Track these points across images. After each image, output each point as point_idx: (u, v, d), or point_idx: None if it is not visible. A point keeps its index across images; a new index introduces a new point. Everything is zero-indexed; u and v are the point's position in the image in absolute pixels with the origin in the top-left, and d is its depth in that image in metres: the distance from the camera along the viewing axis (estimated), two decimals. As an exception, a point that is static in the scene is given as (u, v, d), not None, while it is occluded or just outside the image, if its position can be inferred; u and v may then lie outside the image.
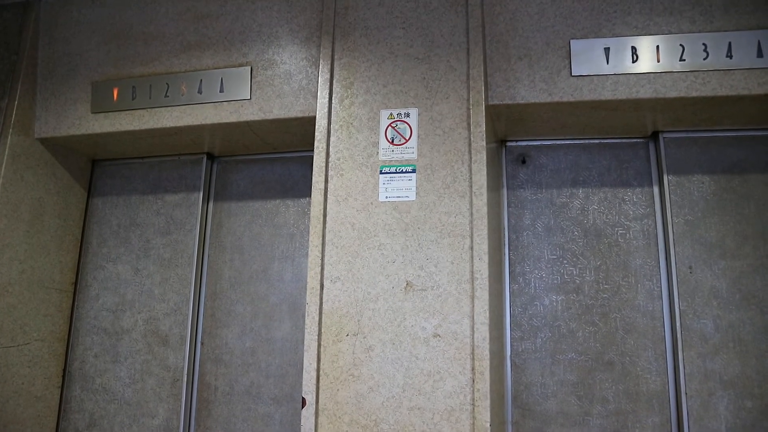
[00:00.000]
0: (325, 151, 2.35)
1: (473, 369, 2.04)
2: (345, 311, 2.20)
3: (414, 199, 2.23)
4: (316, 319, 2.20)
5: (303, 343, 2.77)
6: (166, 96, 2.70)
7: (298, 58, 2.59)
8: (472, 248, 2.14)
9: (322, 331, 2.20)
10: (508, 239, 2.71)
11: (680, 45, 2.26)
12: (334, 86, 2.43)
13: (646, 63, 2.27)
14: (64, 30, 2.94)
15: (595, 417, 2.48)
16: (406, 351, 2.11)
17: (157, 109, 2.72)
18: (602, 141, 2.73)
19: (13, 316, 2.73)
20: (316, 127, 2.38)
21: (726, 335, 2.41)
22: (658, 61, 2.26)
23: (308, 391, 2.14)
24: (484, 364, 2.03)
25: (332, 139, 2.37)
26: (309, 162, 2.96)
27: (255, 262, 2.97)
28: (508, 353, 2.60)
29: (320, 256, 2.25)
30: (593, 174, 2.71)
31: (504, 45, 2.40)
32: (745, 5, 2.25)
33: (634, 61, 2.28)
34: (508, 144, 2.81)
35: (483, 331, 2.05)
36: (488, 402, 2.00)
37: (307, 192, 2.96)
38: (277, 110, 2.56)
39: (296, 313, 2.85)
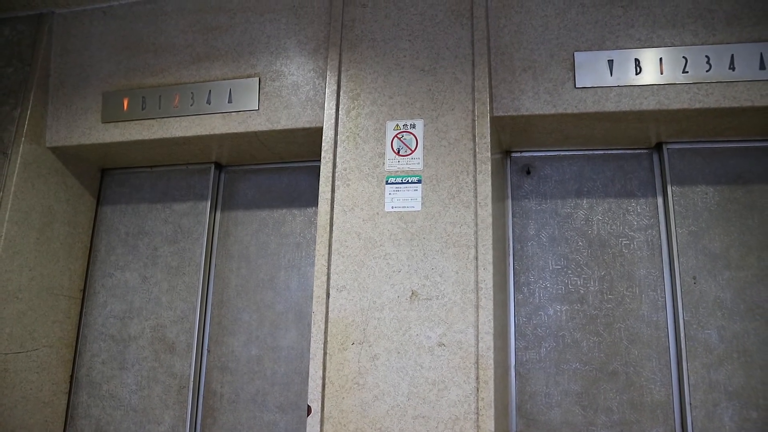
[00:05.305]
0: (331, 161, 2.38)
1: (478, 378, 2.06)
2: (351, 320, 2.21)
3: (419, 209, 2.26)
4: (322, 327, 2.22)
5: (309, 351, 2.78)
6: (175, 106, 2.75)
7: (305, 70, 2.62)
8: (477, 258, 2.16)
9: (328, 339, 2.22)
10: (513, 249, 2.72)
11: (683, 57, 2.28)
12: (341, 97, 2.46)
13: (649, 75, 2.29)
14: (76, 41, 3.00)
15: (600, 427, 2.48)
16: (411, 360, 2.13)
17: (166, 119, 2.76)
18: (606, 152, 2.75)
19: (22, 322, 2.77)
20: (323, 137, 2.42)
21: (730, 346, 2.42)
22: (662, 73, 2.29)
23: (314, 399, 2.16)
24: (489, 374, 2.04)
25: (339, 149, 2.40)
26: (315, 172, 2.99)
27: (261, 271, 3.00)
28: (513, 363, 2.61)
29: (326, 265, 2.28)
30: (597, 185, 2.72)
31: (509, 57, 2.43)
32: (747, 18, 2.27)
33: (637, 73, 2.31)
34: (513, 155, 2.83)
35: (487, 341, 2.07)
36: (492, 411, 2.01)
37: (313, 201, 2.99)
38: (285, 121, 2.60)
39: (302, 321, 2.87)
